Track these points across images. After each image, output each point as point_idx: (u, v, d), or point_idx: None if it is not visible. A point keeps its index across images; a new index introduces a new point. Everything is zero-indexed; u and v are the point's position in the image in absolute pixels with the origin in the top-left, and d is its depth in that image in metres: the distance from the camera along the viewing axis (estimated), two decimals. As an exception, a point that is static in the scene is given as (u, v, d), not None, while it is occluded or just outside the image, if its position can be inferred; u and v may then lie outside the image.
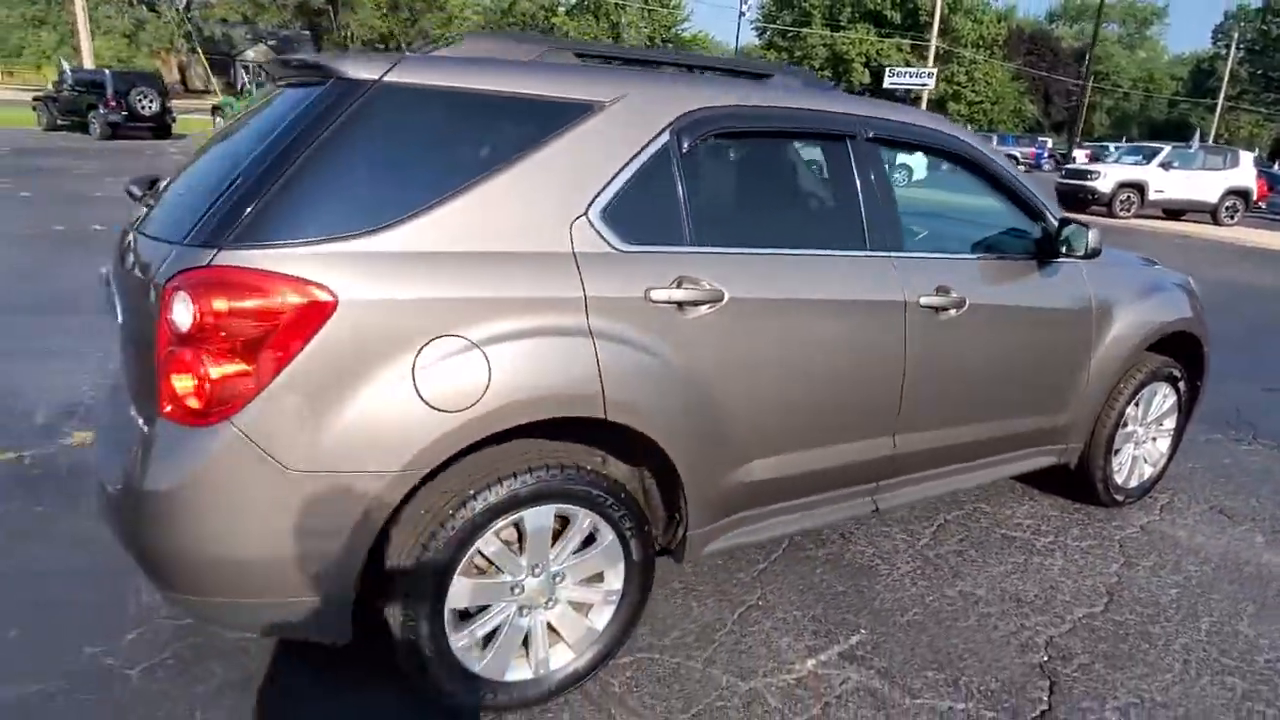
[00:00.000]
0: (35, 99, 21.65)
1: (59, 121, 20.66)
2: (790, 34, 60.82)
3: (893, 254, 2.41)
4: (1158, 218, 17.39)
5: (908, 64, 56.17)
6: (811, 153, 2.44)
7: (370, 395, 1.65)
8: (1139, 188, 16.04)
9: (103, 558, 2.56)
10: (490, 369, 1.73)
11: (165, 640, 2.22)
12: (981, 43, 59.03)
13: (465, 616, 1.92)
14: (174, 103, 21.82)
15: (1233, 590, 2.83)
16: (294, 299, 1.58)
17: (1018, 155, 35.24)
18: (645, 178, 1.99)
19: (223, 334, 1.56)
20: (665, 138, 2.03)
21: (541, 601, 2.01)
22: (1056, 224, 2.80)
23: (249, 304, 1.56)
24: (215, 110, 23.68)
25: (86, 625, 2.26)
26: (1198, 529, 3.29)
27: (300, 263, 1.60)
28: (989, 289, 2.64)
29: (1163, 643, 2.51)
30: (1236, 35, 63.60)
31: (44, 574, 2.49)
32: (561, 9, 60.40)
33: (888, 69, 20.82)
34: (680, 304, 1.99)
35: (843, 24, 59.27)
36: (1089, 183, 16.16)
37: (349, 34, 52.14)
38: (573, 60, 2.10)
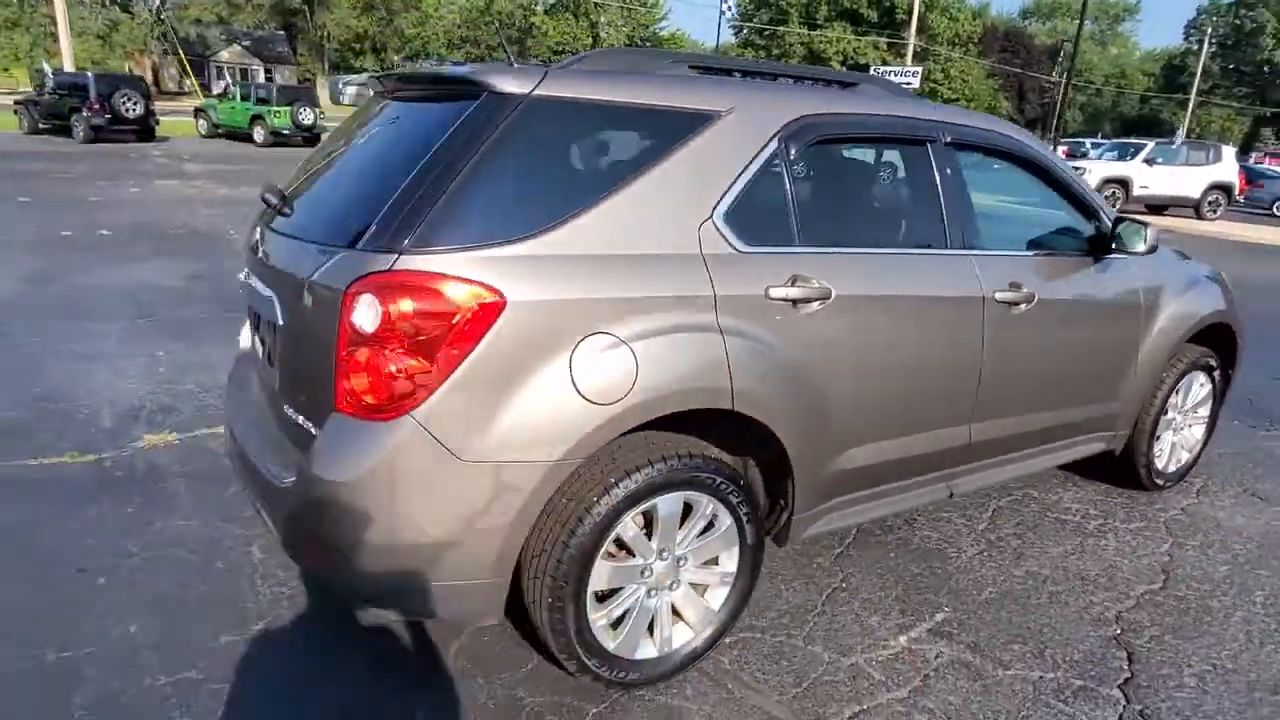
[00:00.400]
0: (16, 103, 21.31)
1: (40, 125, 20.35)
2: (767, 32, 61.21)
3: (971, 252, 2.55)
4: (1140, 213, 17.81)
5: (884, 62, 56.78)
6: (894, 156, 2.57)
7: (533, 389, 1.75)
8: (1124, 183, 16.44)
9: (205, 553, 2.65)
10: (637, 364, 1.84)
11: (292, 626, 2.31)
12: (957, 40, 59.78)
13: (601, 599, 2.03)
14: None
15: (1279, 566, 3.01)
16: (470, 300, 1.68)
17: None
18: (759, 182, 2.11)
19: (405, 334, 1.66)
20: (775, 144, 2.15)
21: (666, 584, 2.13)
22: (1110, 222, 2.95)
23: (430, 305, 1.66)
24: (198, 112, 23.44)
25: (213, 616, 2.34)
26: (1236, 511, 3.47)
27: (473, 266, 1.70)
28: (1053, 284, 2.79)
29: (1223, 615, 2.67)
30: (1209, 30, 64.68)
31: (152, 570, 2.56)
32: (540, 8, 60.33)
33: (872, 68, 21.10)
34: (794, 301, 2.11)
35: (820, 22, 59.74)
36: (1074, 179, 16.49)
37: (325, 34, 51.70)
38: (688, 72, 2.22)
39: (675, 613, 2.18)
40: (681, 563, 2.14)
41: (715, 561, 2.21)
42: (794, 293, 2.10)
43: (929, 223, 2.50)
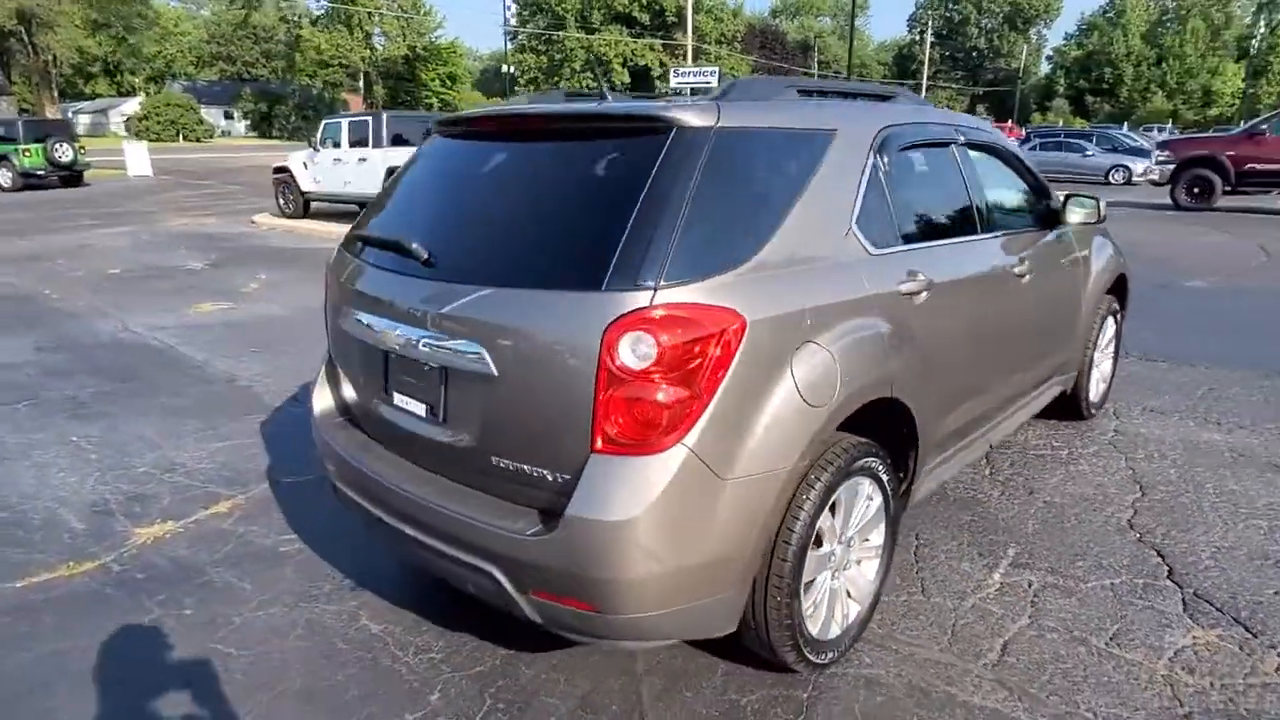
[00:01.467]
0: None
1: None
2: (545, 37, 61.88)
3: (995, 235, 2.96)
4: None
5: (662, 64, 59.50)
6: (934, 156, 2.90)
7: (771, 402, 1.86)
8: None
9: (316, 637, 2.46)
10: (838, 366, 2.00)
11: (473, 697, 2.22)
12: (724, 39, 63.83)
13: (805, 589, 2.17)
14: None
15: (1206, 461, 3.74)
16: (722, 326, 1.75)
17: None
18: (870, 190, 2.34)
19: (672, 366, 1.71)
20: (873, 155, 2.39)
21: (842, 565, 2.31)
22: (1062, 199, 3.51)
23: (694, 335, 1.72)
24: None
25: (386, 702, 2.19)
26: (1151, 425, 4.22)
27: (718, 293, 1.78)
28: (1037, 255, 3.28)
29: (1195, 507, 3.29)
30: (930, 22, 73.77)
31: (274, 666, 2.33)
32: (306, 21, 56.65)
33: (673, 69, 22.27)
34: (912, 294, 2.37)
35: (596, 26, 61.31)
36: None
37: (52, 57, 45.26)
38: (796, 96, 2.39)
39: (846, 591, 2.37)
40: (851, 544, 2.33)
41: (869, 538, 2.42)
42: (913, 286, 2.36)
43: (968, 213, 2.87)
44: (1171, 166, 15.08)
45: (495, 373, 1.88)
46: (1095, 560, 2.90)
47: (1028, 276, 3.11)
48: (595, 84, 2.93)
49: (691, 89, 22.77)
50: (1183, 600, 2.66)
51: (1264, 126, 14.39)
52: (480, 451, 1.98)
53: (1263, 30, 59.35)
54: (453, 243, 2.14)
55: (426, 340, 2.03)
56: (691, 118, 1.92)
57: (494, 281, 1.95)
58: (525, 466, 1.90)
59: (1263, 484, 3.51)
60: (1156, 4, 66.53)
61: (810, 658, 2.17)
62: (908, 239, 2.47)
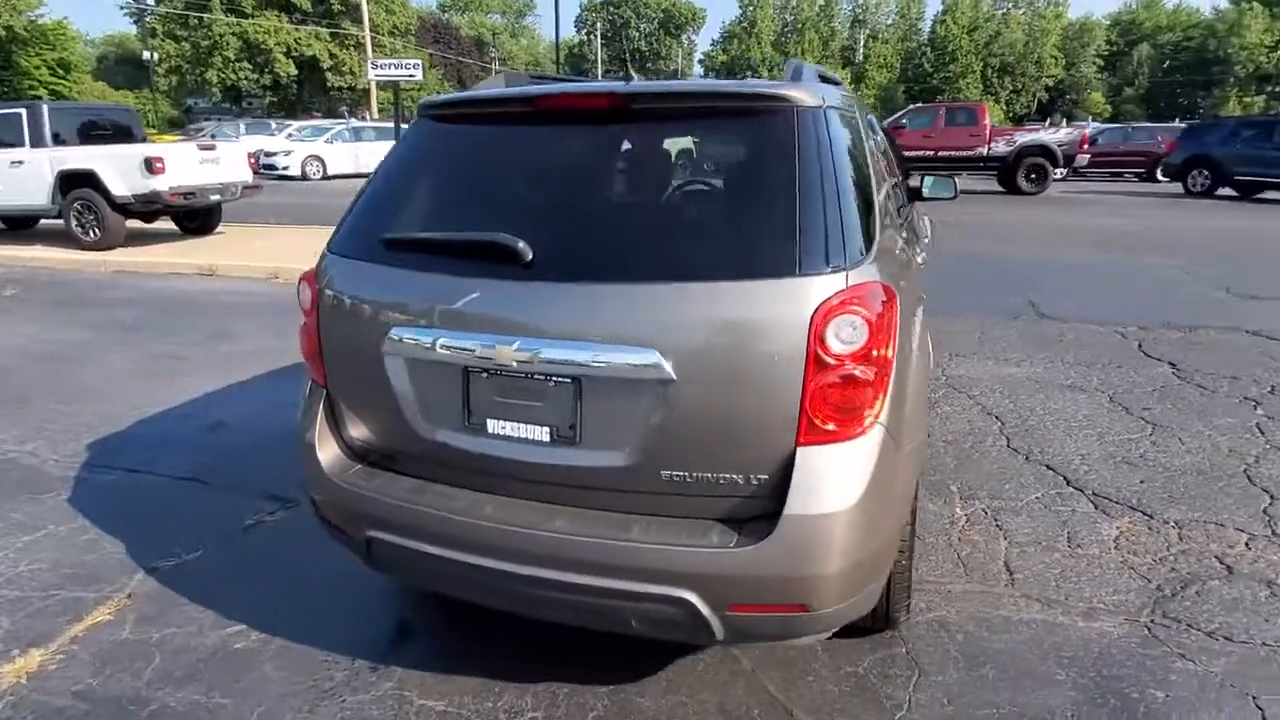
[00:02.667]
0: None
1: None
2: (184, 20, 54.15)
3: (908, 205, 3.33)
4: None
5: (332, 55, 55.46)
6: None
7: (914, 371, 1.93)
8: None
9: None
10: (927, 332, 2.13)
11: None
12: (397, 31, 61.25)
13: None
14: None
15: (1022, 389, 4.57)
16: (890, 299, 1.77)
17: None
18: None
19: (871, 345, 1.69)
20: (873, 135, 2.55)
21: (905, 522, 2.47)
22: (919, 179, 4.04)
23: (882, 313, 1.71)
24: None
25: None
26: (965, 368, 5.03)
27: (879, 269, 1.78)
28: (926, 223, 3.74)
29: (1043, 425, 4.03)
30: (598, 24, 77.68)
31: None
32: None
33: (371, 61, 20.54)
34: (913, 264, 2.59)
35: (248, 11, 55.11)
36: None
37: None
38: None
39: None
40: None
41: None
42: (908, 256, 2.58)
43: (898, 185, 3.18)
44: (840, 155, 17.79)
45: (674, 377, 1.70)
46: (1015, 482, 3.42)
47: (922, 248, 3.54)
48: (627, 69, 2.70)
49: (394, 82, 21.56)
50: (1091, 502, 3.26)
51: (904, 121, 17.57)
52: (641, 469, 1.77)
53: (861, 41, 72.28)
54: (562, 238, 1.87)
55: (555, 352, 1.76)
56: (807, 97, 1.89)
57: (655, 277, 1.75)
58: (709, 475, 1.74)
59: (1070, 401, 4.39)
60: (779, 17, 77.43)
61: (907, 615, 2.30)
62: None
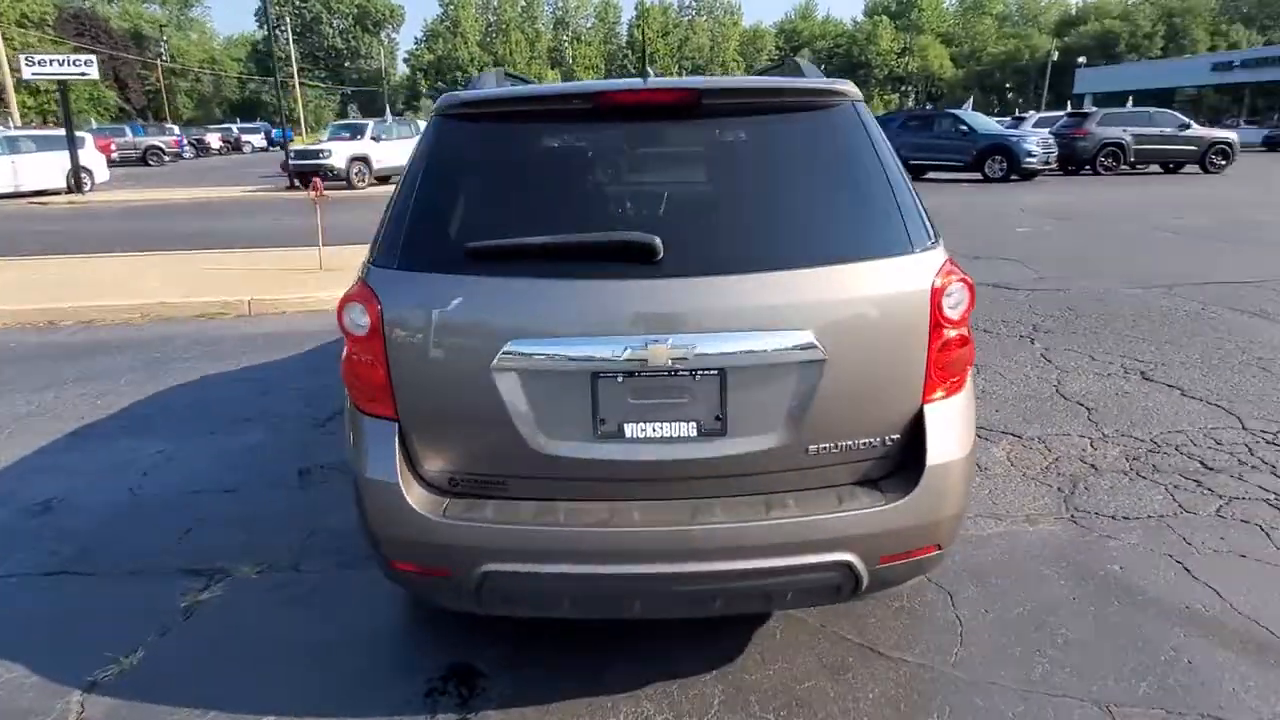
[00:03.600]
0: None
1: None
2: None
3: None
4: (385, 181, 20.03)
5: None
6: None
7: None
8: (364, 160, 18.46)
9: None
10: None
11: (740, 720, 2.05)
12: (29, 22, 51.32)
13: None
14: None
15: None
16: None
17: (162, 146, 33.74)
18: None
19: (970, 308, 1.92)
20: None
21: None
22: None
23: (969, 280, 1.95)
24: None
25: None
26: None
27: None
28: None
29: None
30: (287, 19, 71.24)
31: None
32: None
33: (24, 57, 16.69)
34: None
35: None
36: (322, 161, 17.69)
37: None
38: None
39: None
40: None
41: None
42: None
43: None
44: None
45: (824, 355, 1.79)
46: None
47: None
48: (645, 66, 2.59)
49: (60, 81, 18.06)
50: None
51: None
52: (788, 448, 1.85)
53: (567, 43, 74.54)
54: (678, 233, 1.84)
55: (710, 345, 1.78)
56: (851, 89, 2.07)
57: (795, 263, 1.82)
58: (851, 443, 1.87)
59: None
60: (482, 16, 77.18)
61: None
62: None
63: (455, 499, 1.93)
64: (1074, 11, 73.20)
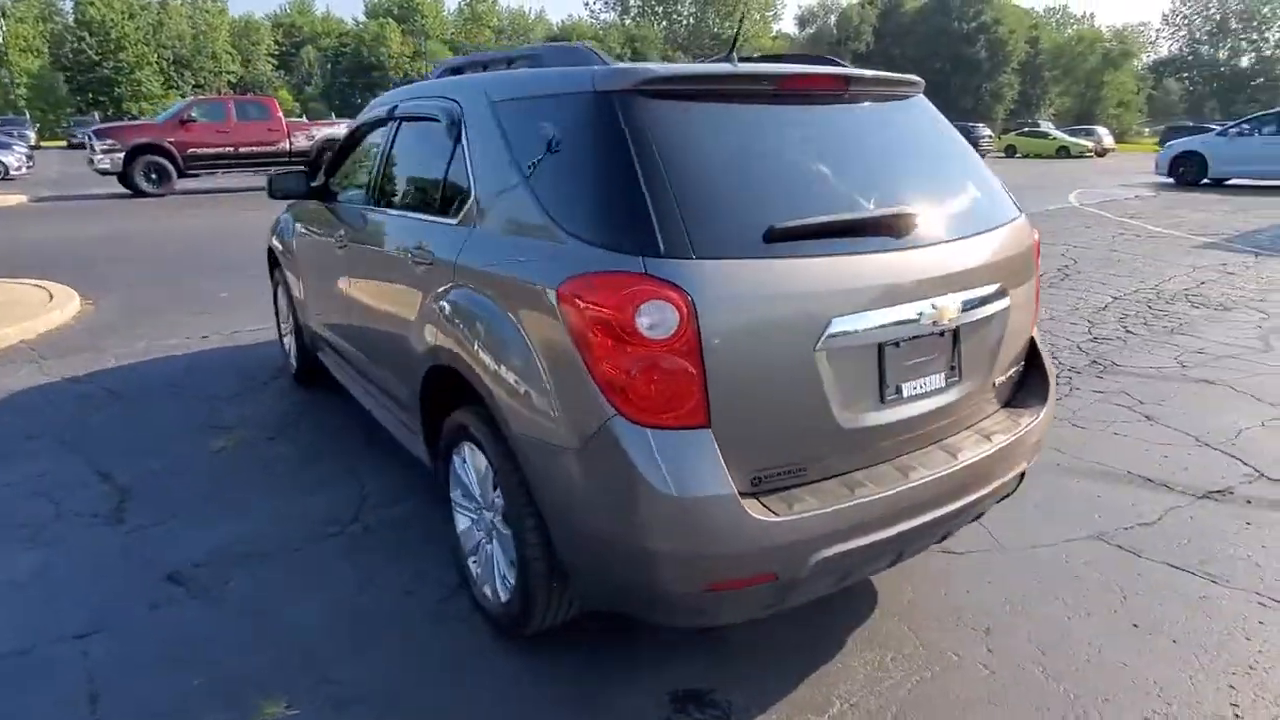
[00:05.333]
0: None
1: None
2: None
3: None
4: None
5: None
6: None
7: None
8: None
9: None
10: None
11: (875, 711, 2.32)
12: None
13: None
14: None
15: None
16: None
17: None
18: None
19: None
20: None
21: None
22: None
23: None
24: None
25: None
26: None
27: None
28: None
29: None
30: None
31: None
32: None
33: None
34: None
35: None
36: None
37: None
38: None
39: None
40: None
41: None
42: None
43: None
44: (122, 154, 15.05)
45: (1009, 304, 2.15)
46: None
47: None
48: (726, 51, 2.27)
49: None
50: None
51: (193, 113, 15.87)
52: (984, 386, 2.17)
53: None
54: (899, 205, 2.02)
55: (957, 303, 2.01)
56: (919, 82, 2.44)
57: (986, 227, 2.12)
58: (1011, 373, 2.28)
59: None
60: None
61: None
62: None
63: (766, 496, 1.81)
64: (557, 30, 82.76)
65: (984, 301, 2.10)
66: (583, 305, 1.74)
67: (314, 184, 3.76)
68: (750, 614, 1.92)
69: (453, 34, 77.64)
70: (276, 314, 4.89)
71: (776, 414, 1.81)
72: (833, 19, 70.32)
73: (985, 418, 2.26)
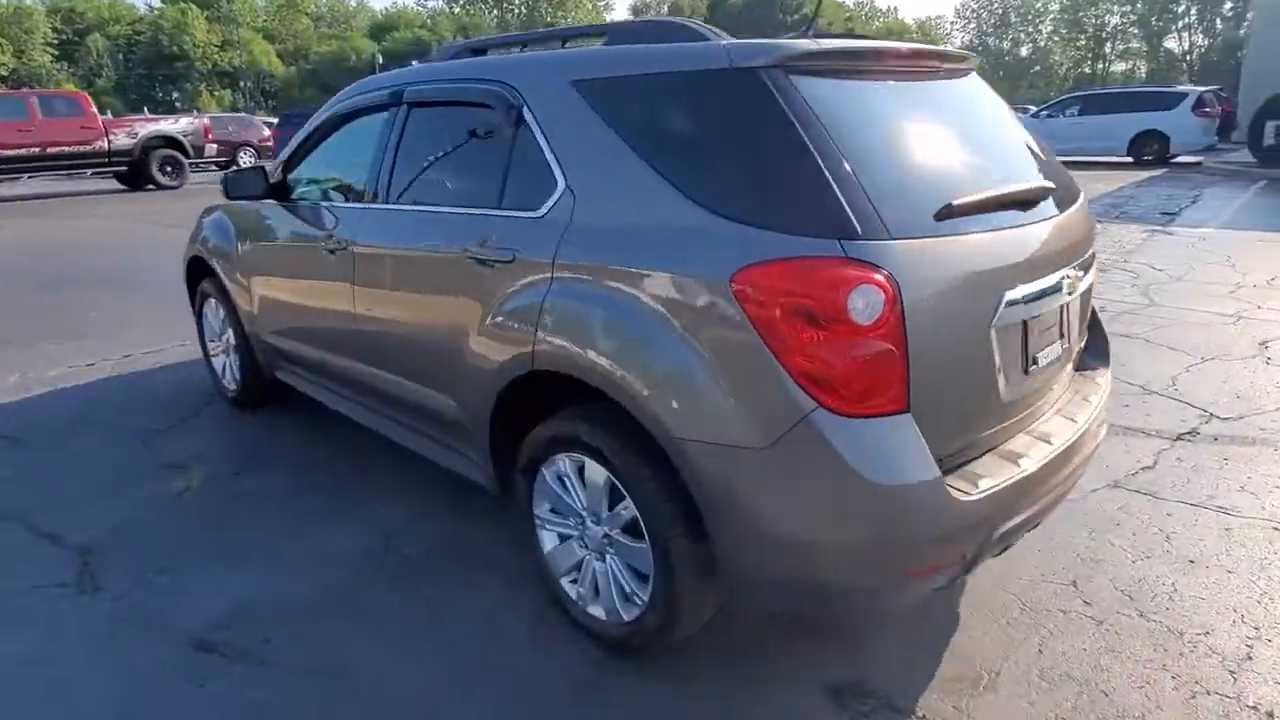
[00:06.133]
0: None
1: None
2: None
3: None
4: None
5: None
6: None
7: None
8: None
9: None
10: None
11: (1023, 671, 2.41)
12: None
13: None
14: None
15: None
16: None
17: None
18: None
19: None
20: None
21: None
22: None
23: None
24: None
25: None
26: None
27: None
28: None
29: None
30: None
31: None
32: None
33: None
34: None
35: None
36: None
37: None
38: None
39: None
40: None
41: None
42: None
43: None
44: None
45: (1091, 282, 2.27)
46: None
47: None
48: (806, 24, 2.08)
49: None
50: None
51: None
52: (1074, 351, 2.28)
53: None
54: (1027, 177, 2.08)
55: (1079, 271, 2.09)
56: None
57: (1075, 199, 2.24)
58: (1086, 335, 2.42)
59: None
60: None
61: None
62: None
63: (949, 475, 1.79)
64: (381, 18, 78.88)
65: (1088, 268, 2.20)
66: (771, 294, 1.64)
67: (271, 181, 3.33)
68: (926, 594, 1.90)
69: (265, 21, 72.09)
70: (201, 332, 4.31)
71: (957, 393, 1.80)
72: (665, 8, 71.77)
73: (1073, 381, 2.37)
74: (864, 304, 1.59)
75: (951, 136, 2.03)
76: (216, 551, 2.77)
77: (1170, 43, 72.03)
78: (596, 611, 2.20)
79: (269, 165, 3.44)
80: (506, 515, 2.81)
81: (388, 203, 2.73)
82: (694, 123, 1.89)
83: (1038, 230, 1.98)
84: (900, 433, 1.66)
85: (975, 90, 2.29)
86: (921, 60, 2.07)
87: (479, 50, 2.79)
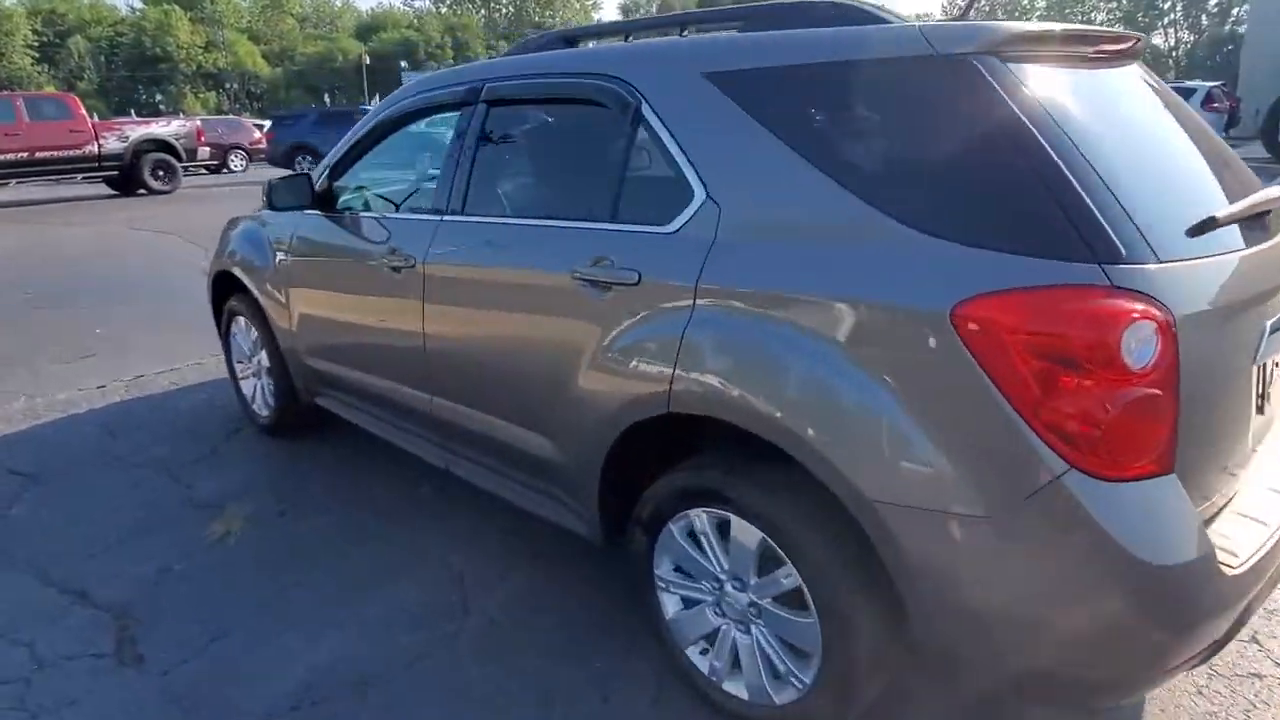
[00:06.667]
0: None
1: None
2: None
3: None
4: None
5: None
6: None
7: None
8: None
9: None
10: None
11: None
12: None
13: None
14: None
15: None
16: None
17: None
18: None
19: None
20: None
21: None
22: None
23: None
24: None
25: None
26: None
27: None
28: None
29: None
30: None
31: None
32: None
33: None
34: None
35: None
36: None
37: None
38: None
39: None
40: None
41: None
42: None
43: None
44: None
45: None
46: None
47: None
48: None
49: None
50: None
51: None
52: None
53: None
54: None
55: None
56: None
57: None
58: None
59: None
60: None
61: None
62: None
63: None
64: (368, 18, 78.11)
65: None
66: (1007, 331, 1.33)
67: (316, 189, 3.00)
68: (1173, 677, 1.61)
69: (249, 22, 71.19)
70: (228, 353, 3.97)
71: (1217, 444, 1.51)
72: (654, 8, 71.42)
73: None
74: (1137, 344, 1.29)
75: (1168, 135, 1.73)
76: (273, 612, 2.44)
77: (1156, 39, 72.29)
78: (735, 689, 1.90)
79: (313, 172, 3.10)
80: (605, 569, 2.51)
81: (463, 214, 2.41)
82: (888, 122, 1.58)
83: (1270, 246, 1.68)
84: (1169, 499, 1.37)
85: (1147, 79, 1.98)
86: (1122, 43, 1.77)
87: (571, 41, 2.48)
